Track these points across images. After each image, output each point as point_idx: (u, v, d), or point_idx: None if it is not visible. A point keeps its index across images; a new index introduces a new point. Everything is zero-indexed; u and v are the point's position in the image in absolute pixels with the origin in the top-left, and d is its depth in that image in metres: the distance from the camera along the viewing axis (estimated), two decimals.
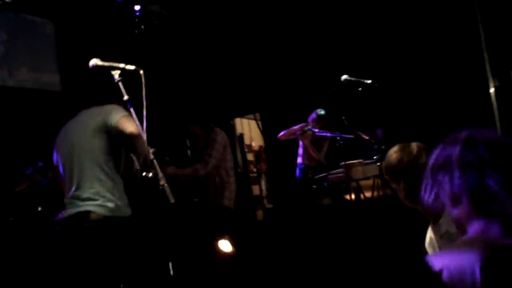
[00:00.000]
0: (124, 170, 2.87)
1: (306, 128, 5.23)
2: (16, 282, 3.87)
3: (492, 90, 5.07)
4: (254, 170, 8.69)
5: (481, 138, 1.12)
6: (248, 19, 6.15)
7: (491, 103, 5.03)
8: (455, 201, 1.13)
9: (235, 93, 6.95)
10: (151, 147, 2.31)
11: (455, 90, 5.29)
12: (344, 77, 3.66)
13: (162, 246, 4.31)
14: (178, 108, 5.12)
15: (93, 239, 2.62)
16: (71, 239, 2.72)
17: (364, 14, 5.90)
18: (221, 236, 3.81)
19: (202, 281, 4.10)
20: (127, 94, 2.48)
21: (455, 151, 1.13)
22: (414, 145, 2.01)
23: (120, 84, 2.47)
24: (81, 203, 2.69)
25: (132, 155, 2.90)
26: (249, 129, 8.81)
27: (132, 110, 2.42)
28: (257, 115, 7.94)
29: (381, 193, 4.46)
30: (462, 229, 1.15)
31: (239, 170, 7.86)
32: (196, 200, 4.05)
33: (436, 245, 1.94)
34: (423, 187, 1.21)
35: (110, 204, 2.66)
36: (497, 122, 4.94)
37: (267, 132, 7.56)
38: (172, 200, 2.12)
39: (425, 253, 2.02)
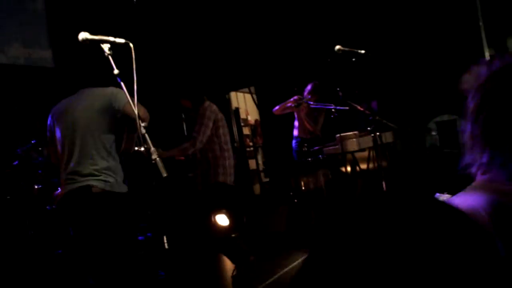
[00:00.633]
0: (124, 149, 2.91)
1: (300, 101, 5.21)
2: (14, 259, 3.91)
3: (487, 59, 5.04)
4: (251, 144, 8.70)
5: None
6: None
7: None
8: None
9: (229, 67, 6.90)
10: (142, 122, 2.30)
11: (450, 60, 5.26)
12: (337, 47, 3.62)
13: (156, 220, 4.36)
14: (172, 82, 5.09)
15: (95, 211, 2.68)
16: (74, 213, 2.76)
17: None
18: (216, 211, 3.81)
19: (197, 255, 4.15)
20: (118, 68, 2.46)
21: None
22: None
23: (110, 58, 2.44)
24: (82, 178, 2.73)
25: (132, 135, 2.92)
26: (244, 103, 8.78)
27: (122, 84, 2.40)
28: (252, 89, 7.90)
29: (376, 164, 4.47)
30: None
31: (235, 144, 7.87)
32: (191, 175, 4.03)
33: None
34: None
35: (111, 179, 2.72)
36: None
37: (262, 105, 7.54)
38: (165, 174, 2.12)
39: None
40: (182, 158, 4.05)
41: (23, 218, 4.28)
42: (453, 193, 1.05)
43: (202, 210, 3.78)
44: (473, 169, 1.02)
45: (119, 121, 2.80)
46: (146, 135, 2.22)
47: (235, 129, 8.03)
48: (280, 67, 6.70)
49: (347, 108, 4.56)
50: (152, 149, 2.15)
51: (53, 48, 5.81)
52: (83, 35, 2.46)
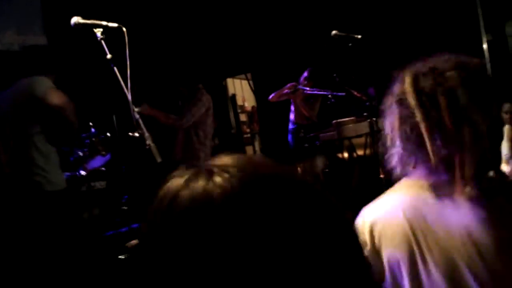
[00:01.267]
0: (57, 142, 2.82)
1: (296, 87, 5.19)
2: None
3: (485, 45, 5.01)
4: (248, 130, 8.69)
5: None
6: None
7: (484, 58, 4.97)
8: None
9: (226, 53, 6.85)
10: (136, 107, 2.28)
11: (448, 46, 5.22)
12: (334, 32, 3.59)
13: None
14: (168, 69, 5.05)
15: (25, 212, 2.60)
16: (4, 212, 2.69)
17: None
18: None
19: None
20: (111, 53, 2.43)
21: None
22: None
23: (103, 42, 2.42)
24: (13, 177, 2.66)
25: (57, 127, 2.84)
26: (241, 90, 8.75)
27: (115, 69, 2.37)
28: (249, 75, 7.86)
29: (373, 150, 4.46)
30: None
31: (232, 131, 7.85)
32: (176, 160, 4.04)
33: None
34: None
35: (40, 178, 2.63)
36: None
37: (259, 92, 7.51)
38: (159, 159, 2.11)
39: None
40: (165, 121, 3.99)
41: (19, 206, 4.28)
42: None
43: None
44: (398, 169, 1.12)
45: (44, 112, 2.71)
46: (140, 120, 2.20)
47: (232, 115, 8.01)
48: (277, 53, 6.65)
49: (344, 94, 4.54)
50: (147, 134, 2.14)
51: (47, 34, 5.76)
52: (75, 20, 2.44)
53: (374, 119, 3.81)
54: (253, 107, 8.74)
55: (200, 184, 0.54)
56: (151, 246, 0.54)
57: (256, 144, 8.70)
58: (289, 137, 5.60)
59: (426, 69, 1.12)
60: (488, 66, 4.92)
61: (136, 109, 2.24)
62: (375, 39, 4.37)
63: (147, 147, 2.14)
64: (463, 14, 5.16)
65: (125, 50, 2.39)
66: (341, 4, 5.85)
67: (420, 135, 1.04)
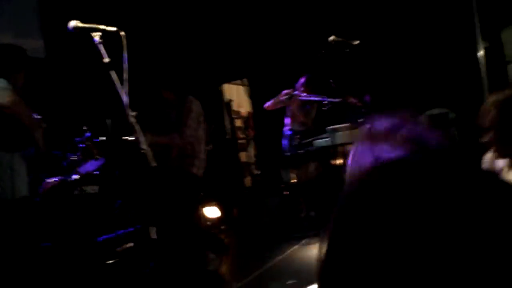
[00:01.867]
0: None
1: (292, 94, 5.19)
2: None
3: (481, 52, 5.03)
4: (242, 136, 8.67)
5: None
6: None
7: (479, 66, 5.00)
8: None
9: (222, 59, 6.85)
10: (132, 111, 2.27)
11: (445, 53, 5.25)
12: (331, 37, 3.61)
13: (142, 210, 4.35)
14: (164, 73, 5.04)
15: None
16: None
17: None
18: (195, 203, 3.85)
19: (185, 246, 4.14)
20: (109, 57, 2.43)
21: None
22: None
23: (101, 46, 2.41)
24: None
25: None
26: (237, 95, 8.73)
27: (113, 73, 2.36)
28: (245, 81, 7.86)
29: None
30: None
31: (227, 136, 7.84)
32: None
33: None
34: None
35: None
36: (485, 85, 4.93)
37: (255, 98, 7.51)
38: (154, 164, 2.09)
39: None
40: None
41: (9, 210, 4.25)
42: None
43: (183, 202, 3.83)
44: None
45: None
46: (136, 125, 2.19)
47: (227, 121, 8.00)
48: (273, 59, 6.66)
49: (340, 100, 4.55)
50: (142, 139, 2.13)
51: (45, 38, 5.75)
52: (73, 23, 2.43)
53: (370, 126, 3.80)
54: (248, 112, 8.73)
55: None
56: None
57: (251, 150, 8.68)
58: (284, 142, 5.60)
59: None
60: (484, 73, 4.94)
61: (132, 113, 2.22)
62: (372, 45, 4.38)
63: (142, 151, 2.13)
64: (459, 21, 5.18)
65: (123, 54, 2.38)
66: (339, 10, 5.87)
67: None
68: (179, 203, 3.82)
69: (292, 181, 5.31)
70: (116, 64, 2.44)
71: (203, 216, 3.78)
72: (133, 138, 2.17)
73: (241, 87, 8.41)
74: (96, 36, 2.46)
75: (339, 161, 4.99)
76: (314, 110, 5.58)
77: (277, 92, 5.40)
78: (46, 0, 5.73)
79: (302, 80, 5.42)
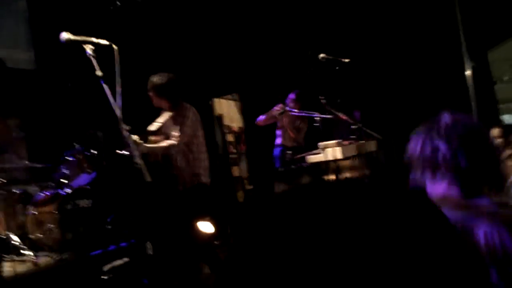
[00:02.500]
0: None
1: (283, 109, 5.22)
2: None
3: (468, 72, 5.11)
4: (234, 151, 8.66)
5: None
6: None
7: (467, 85, 5.08)
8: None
9: (213, 73, 6.88)
10: (126, 125, 2.27)
11: (433, 72, 5.33)
12: (321, 55, 3.65)
13: (140, 226, 4.31)
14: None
15: None
16: None
17: None
18: (202, 217, 3.80)
19: (181, 261, 4.11)
20: (101, 70, 2.43)
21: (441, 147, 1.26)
22: None
23: (93, 59, 2.41)
24: None
25: None
26: (228, 110, 8.75)
27: (105, 86, 2.36)
28: (236, 96, 7.89)
29: (359, 173, 4.49)
30: None
31: (219, 151, 7.83)
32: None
33: None
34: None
35: None
36: (473, 104, 5.00)
37: (246, 113, 7.53)
38: (148, 179, 2.08)
39: None
40: (159, 158, 3.98)
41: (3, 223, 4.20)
42: None
43: (187, 214, 3.76)
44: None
45: None
46: (129, 138, 2.19)
47: (219, 136, 8.00)
48: (264, 74, 6.71)
49: (331, 116, 4.58)
50: (136, 153, 2.12)
51: (35, 50, 5.73)
52: (65, 35, 2.43)
53: (360, 142, 3.85)
54: (240, 127, 8.74)
55: None
56: None
57: (243, 164, 8.67)
58: (276, 154, 5.61)
59: None
60: (472, 92, 5.02)
61: (125, 127, 2.22)
62: (361, 63, 4.43)
63: (136, 165, 2.12)
64: (446, 42, 5.27)
65: (115, 67, 2.39)
66: (328, 28, 5.95)
67: None
68: (187, 217, 3.77)
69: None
70: (108, 77, 2.44)
71: (199, 230, 3.75)
72: (127, 152, 2.15)
73: (232, 102, 8.43)
74: (88, 49, 2.46)
75: (332, 177, 5.00)
76: (305, 126, 5.61)
77: (268, 107, 5.43)
78: (37, 11, 5.72)
79: (292, 95, 5.46)
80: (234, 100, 8.03)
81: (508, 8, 4.98)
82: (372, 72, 5.46)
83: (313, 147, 5.01)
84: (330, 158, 4.75)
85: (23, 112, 5.04)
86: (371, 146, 4.87)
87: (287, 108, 5.26)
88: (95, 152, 4.69)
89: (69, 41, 2.40)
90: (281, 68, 6.45)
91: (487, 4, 5.00)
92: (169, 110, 3.94)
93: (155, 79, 3.87)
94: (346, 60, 3.66)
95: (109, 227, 4.53)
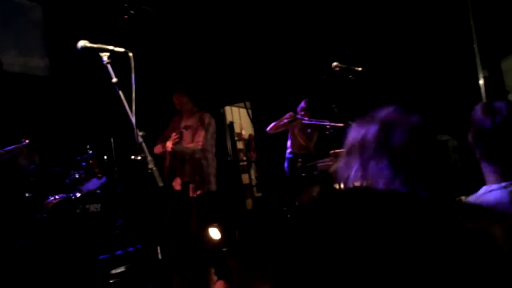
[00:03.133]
0: None
1: (294, 117, 5.22)
2: (3, 267, 3.84)
3: (481, 81, 5.09)
4: (244, 158, 8.70)
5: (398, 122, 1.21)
6: (240, 5, 6.11)
7: (480, 94, 5.05)
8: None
9: (226, 81, 6.92)
10: (140, 131, 2.29)
11: (445, 81, 5.31)
12: (334, 64, 3.66)
13: (150, 231, 4.33)
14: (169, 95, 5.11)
15: None
16: None
17: (356, 3, 5.89)
18: (212, 223, 3.83)
19: (190, 266, 4.12)
20: (116, 77, 2.46)
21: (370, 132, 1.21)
22: None
23: (109, 66, 2.44)
24: None
25: None
26: (239, 118, 8.79)
27: (121, 93, 2.39)
28: (248, 104, 7.92)
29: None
30: None
31: (229, 158, 7.86)
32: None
33: None
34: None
35: None
36: None
37: (257, 120, 7.55)
38: (161, 184, 2.10)
39: None
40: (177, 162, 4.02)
41: (13, 226, 4.24)
42: None
43: (198, 220, 3.78)
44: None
45: None
46: (144, 144, 2.21)
47: (229, 143, 8.03)
48: (276, 83, 6.73)
49: (343, 125, 4.57)
50: (149, 158, 2.14)
51: (50, 57, 5.80)
52: (82, 43, 2.46)
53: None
54: (250, 135, 8.78)
55: None
56: None
57: (252, 172, 8.69)
58: (286, 164, 5.61)
59: None
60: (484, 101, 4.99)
61: (140, 133, 2.24)
62: (375, 72, 4.42)
63: (149, 171, 2.14)
64: (460, 50, 5.26)
65: (131, 74, 2.41)
66: (342, 37, 5.96)
67: None
68: (197, 223, 3.81)
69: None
70: (123, 84, 2.47)
71: (209, 237, 3.77)
72: (140, 158, 2.17)
73: (243, 110, 8.47)
74: (104, 56, 2.49)
75: (342, 185, 4.99)
76: (316, 135, 5.60)
77: (279, 115, 5.43)
78: (52, 19, 5.80)
79: (303, 104, 5.46)
80: (246, 108, 8.07)
81: None
82: (385, 81, 5.46)
83: (324, 155, 5.01)
84: None
85: (37, 118, 5.11)
86: None
87: (298, 116, 5.27)
88: (106, 157, 4.74)
89: (85, 48, 2.43)
90: (293, 76, 6.47)
91: (502, 13, 4.98)
92: (187, 104, 4.04)
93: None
94: (359, 69, 3.66)
95: (117, 231, 4.57)
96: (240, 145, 8.67)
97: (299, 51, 6.38)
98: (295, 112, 5.41)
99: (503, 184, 1.35)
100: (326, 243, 0.58)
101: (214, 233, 3.91)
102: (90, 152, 4.85)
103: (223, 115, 8.11)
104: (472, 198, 1.41)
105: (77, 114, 5.48)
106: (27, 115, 5.02)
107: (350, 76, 3.64)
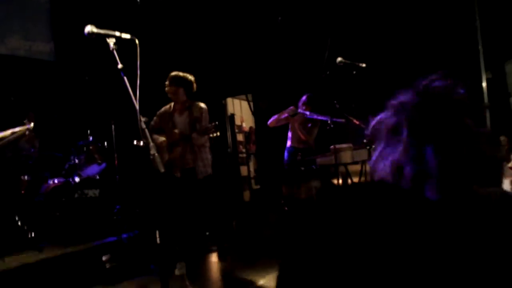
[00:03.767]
0: None
1: (295, 111, 5.23)
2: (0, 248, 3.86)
3: (484, 83, 5.10)
4: (243, 150, 8.71)
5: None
6: None
7: (483, 96, 5.06)
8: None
9: (228, 73, 6.92)
10: (143, 117, 2.30)
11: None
12: (339, 59, 3.66)
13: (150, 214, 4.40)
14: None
15: None
16: None
17: (362, 1, 5.89)
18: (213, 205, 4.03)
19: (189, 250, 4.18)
20: (121, 63, 2.46)
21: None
22: None
23: (115, 52, 2.44)
24: None
25: None
26: (240, 110, 8.80)
27: (125, 78, 2.40)
28: (249, 96, 7.92)
29: (369, 178, 4.48)
30: None
31: (228, 150, 7.87)
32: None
33: None
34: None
35: None
36: (488, 115, 4.99)
37: (258, 113, 7.56)
38: (162, 170, 2.11)
39: None
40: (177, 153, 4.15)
41: (10, 209, 4.25)
42: None
43: (202, 202, 4.14)
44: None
45: None
46: (146, 130, 2.22)
47: (229, 135, 8.04)
48: (279, 76, 6.73)
49: (343, 120, 4.59)
50: (151, 144, 2.15)
51: (56, 41, 5.80)
52: (89, 28, 2.46)
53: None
54: (250, 127, 8.78)
55: None
56: None
57: (251, 164, 8.71)
58: (285, 155, 5.63)
59: None
60: (487, 103, 5.00)
61: (143, 119, 2.25)
62: (378, 69, 4.43)
63: (151, 157, 2.15)
64: (464, 52, 5.26)
65: (136, 61, 2.42)
66: (345, 32, 5.95)
67: None
68: (201, 205, 4.08)
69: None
70: (127, 70, 2.48)
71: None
72: (143, 143, 2.19)
73: (244, 102, 8.47)
74: (111, 42, 2.49)
75: (340, 181, 5.01)
76: (316, 130, 5.61)
77: (280, 109, 5.44)
78: (58, 4, 5.78)
79: (304, 98, 5.47)
80: (247, 100, 8.08)
81: None
82: (388, 79, 5.46)
83: (324, 150, 5.02)
84: (340, 161, 4.76)
85: (38, 101, 5.11)
86: None
87: (299, 111, 5.28)
88: (106, 143, 4.76)
89: (92, 34, 2.43)
90: (295, 71, 6.47)
91: (507, 16, 4.98)
92: (182, 96, 4.20)
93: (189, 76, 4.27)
94: (363, 65, 3.67)
95: (115, 217, 4.60)
96: (240, 137, 8.68)
97: (303, 46, 6.38)
98: (296, 107, 5.42)
99: None
100: (333, 244, 0.59)
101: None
102: (91, 138, 4.86)
103: (224, 107, 8.12)
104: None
105: (79, 100, 5.49)
106: (29, 99, 5.03)
107: (354, 72, 3.65)
